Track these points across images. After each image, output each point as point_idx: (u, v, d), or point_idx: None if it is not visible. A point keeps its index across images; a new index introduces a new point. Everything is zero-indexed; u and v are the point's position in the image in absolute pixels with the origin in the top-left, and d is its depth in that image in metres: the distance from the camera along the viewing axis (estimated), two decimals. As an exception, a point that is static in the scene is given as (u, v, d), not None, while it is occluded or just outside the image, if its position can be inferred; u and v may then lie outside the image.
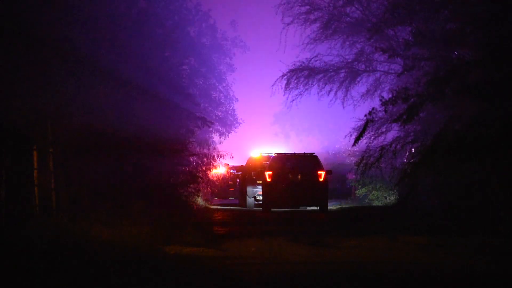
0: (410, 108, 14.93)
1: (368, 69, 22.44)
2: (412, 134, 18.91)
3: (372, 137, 19.64)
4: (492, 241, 11.68)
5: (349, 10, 22.15)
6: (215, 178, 28.37)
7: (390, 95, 15.75)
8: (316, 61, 22.60)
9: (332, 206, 24.25)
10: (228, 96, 29.68)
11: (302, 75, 22.81)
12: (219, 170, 28.28)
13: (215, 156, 25.64)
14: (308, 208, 22.78)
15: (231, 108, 29.81)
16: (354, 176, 27.96)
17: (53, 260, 8.77)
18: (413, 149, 20.06)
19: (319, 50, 22.89)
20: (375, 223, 16.36)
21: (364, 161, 19.15)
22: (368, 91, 22.79)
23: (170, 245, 10.93)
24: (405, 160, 20.77)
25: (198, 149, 24.08)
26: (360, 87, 22.93)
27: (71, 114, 13.31)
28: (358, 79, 22.61)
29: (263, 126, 52.87)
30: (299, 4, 22.60)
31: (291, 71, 22.92)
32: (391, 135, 19.83)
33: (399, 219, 16.67)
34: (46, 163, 12.14)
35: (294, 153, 22.80)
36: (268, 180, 21.49)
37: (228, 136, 29.60)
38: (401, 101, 15.12)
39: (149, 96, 16.95)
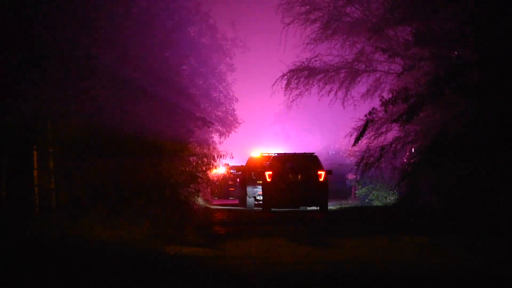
0: (410, 108, 14.94)
1: (368, 69, 22.45)
2: (412, 134, 18.91)
3: (372, 137, 19.64)
4: (493, 241, 11.67)
5: (349, 10, 22.18)
6: (215, 178, 28.34)
7: (390, 95, 15.75)
8: (316, 61, 22.62)
9: (332, 206, 24.24)
10: (228, 96, 29.67)
11: (302, 75, 22.83)
12: (219, 170, 28.25)
13: (215, 156, 25.61)
14: (308, 208, 22.76)
15: (231, 108, 29.80)
16: (354, 176, 27.96)
17: (53, 260, 8.77)
18: (413, 149, 20.06)
19: (319, 50, 22.91)
20: (375, 223, 16.36)
21: (364, 161, 19.16)
22: (368, 91, 22.80)
23: (170, 245, 10.93)
24: (405, 160, 20.77)
25: (198, 149, 24.07)
26: (360, 87, 22.95)
27: (71, 114, 13.31)
28: (358, 79, 22.62)
29: (263, 126, 52.79)
30: (299, 4, 22.61)
31: (291, 71, 22.94)
32: (391, 135, 19.83)
33: (399, 219, 16.66)
34: (46, 163, 12.14)
35: (294, 153, 22.77)
36: (268, 180, 21.48)
37: (228, 136, 29.59)
38: (401, 101, 15.12)
39: (149, 96, 16.96)
